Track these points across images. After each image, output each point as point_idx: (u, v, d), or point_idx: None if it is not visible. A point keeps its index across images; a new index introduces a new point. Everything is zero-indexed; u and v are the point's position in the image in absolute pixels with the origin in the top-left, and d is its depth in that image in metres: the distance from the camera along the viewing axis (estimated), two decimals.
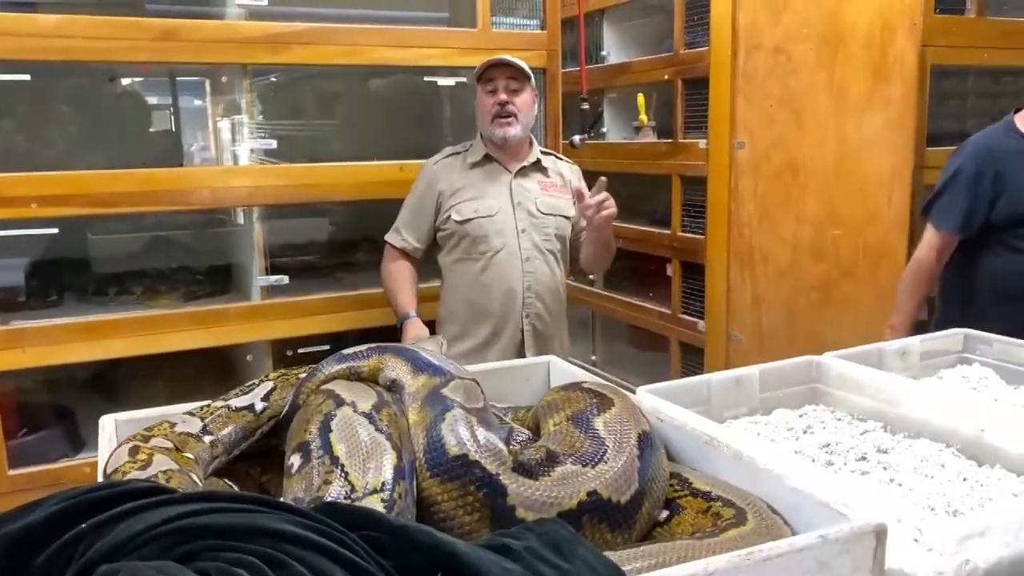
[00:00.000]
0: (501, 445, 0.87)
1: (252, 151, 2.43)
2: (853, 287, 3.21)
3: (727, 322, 3.42)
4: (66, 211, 2.23)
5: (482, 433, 0.88)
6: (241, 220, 2.63)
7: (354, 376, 1.07)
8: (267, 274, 2.52)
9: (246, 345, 2.55)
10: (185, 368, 2.65)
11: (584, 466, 0.90)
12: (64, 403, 2.59)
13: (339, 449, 0.83)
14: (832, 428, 1.39)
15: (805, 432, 1.38)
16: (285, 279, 2.51)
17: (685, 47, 3.64)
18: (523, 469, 0.87)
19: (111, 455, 0.92)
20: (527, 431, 1.15)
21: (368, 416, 0.89)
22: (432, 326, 2.41)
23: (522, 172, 2.34)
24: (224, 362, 2.86)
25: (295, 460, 0.86)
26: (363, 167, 2.58)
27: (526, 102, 2.29)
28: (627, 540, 0.91)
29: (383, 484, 0.79)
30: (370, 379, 1.07)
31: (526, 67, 2.27)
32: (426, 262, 2.44)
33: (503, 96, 2.24)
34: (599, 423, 0.98)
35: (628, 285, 4.21)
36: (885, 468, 1.23)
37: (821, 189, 3.16)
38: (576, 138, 3.13)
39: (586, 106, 3.00)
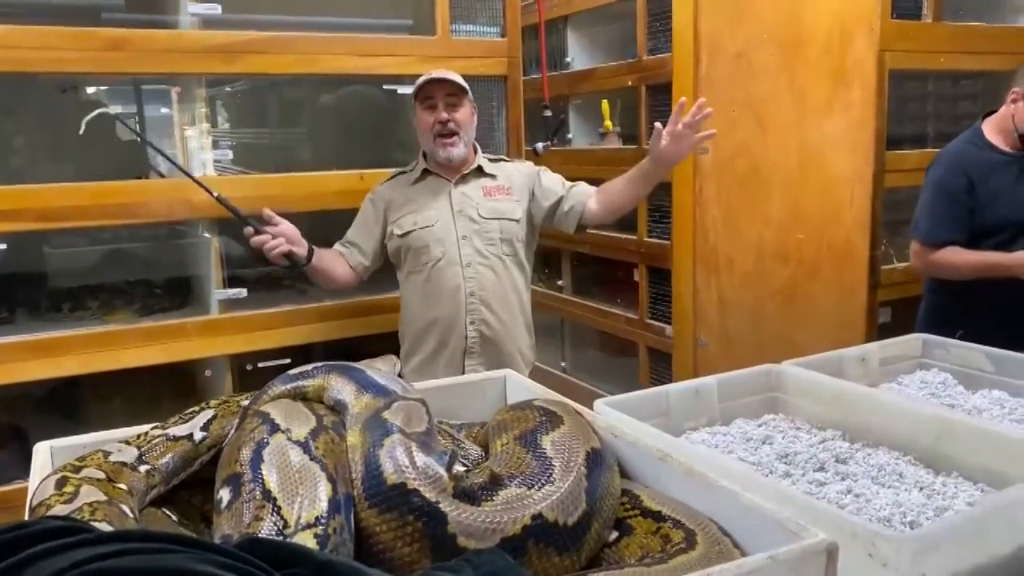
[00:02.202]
0: (441, 471, 0.85)
1: (216, 161, 2.38)
2: (818, 288, 3.22)
3: (694, 327, 3.42)
4: (17, 226, 2.17)
5: (421, 458, 0.85)
6: (200, 231, 2.58)
7: (299, 396, 1.04)
8: (225, 287, 2.47)
9: (204, 360, 2.50)
10: (143, 385, 2.59)
11: (529, 488, 0.88)
12: (17, 423, 2.52)
13: (271, 481, 0.80)
14: (791, 438, 1.38)
15: (764, 442, 1.37)
16: (243, 292, 2.46)
17: (648, 53, 3.65)
18: (465, 495, 0.84)
19: (38, 487, 0.88)
20: (479, 448, 1.13)
21: (303, 445, 0.86)
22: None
23: (463, 180, 2.34)
24: (183, 378, 2.80)
25: (224, 495, 0.82)
26: (324, 176, 2.55)
27: (466, 117, 2.28)
28: (575, 563, 0.88)
29: (317, 519, 0.76)
30: (315, 399, 1.04)
31: (462, 82, 2.26)
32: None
33: (443, 114, 2.24)
34: (547, 442, 0.96)
35: (596, 291, 4.20)
36: (843, 478, 1.22)
37: (784, 192, 3.17)
38: (539, 145, 3.11)
39: (548, 113, 2.99)
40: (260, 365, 2.52)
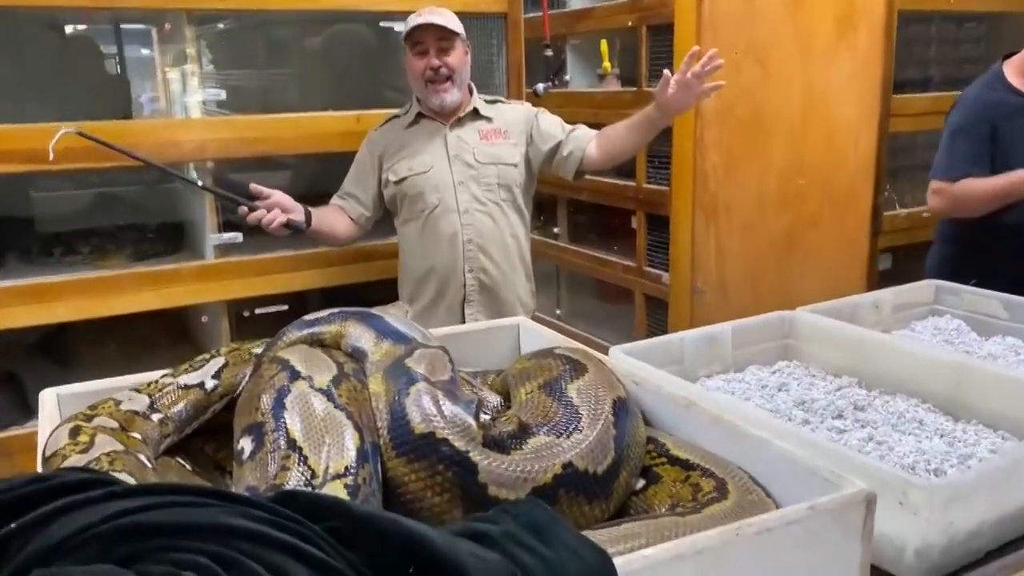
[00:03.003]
0: (470, 420, 0.82)
1: (203, 103, 2.31)
2: (818, 238, 3.20)
3: (692, 275, 3.40)
4: (5, 168, 2.11)
5: (449, 407, 0.82)
6: (193, 174, 2.51)
7: (316, 343, 1.01)
8: (220, 231, 2.42)
9: (200, 306, 2.46)
10: (138, 329, 2.55)
11: (558, 436, 0.86)
12: (10, 368, 2.49)
13: (295, 430, 0.77)
14: (807, 385, 1.37)
15: (780, 389, 1.35)
16: (239, 237, 2.41)
17: None
18: (494, 443, 0.82)
19: (50, 436, 0.85)
20: (497, 396, 1.10)
21: (326, 393, 0.83)
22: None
23: (458, 123, 2.27)
24: (178, 323, 2.77)
25: (246, 444, 0.80)
26: (318, 118, 2.48)
27: (458, 60, 2.20)
28: (604, 511, 0.87)
29: (346, 468, 0.73)
30: (332, 346, 1.01)
31: (453, 24, 2.17)
32: None
33: (434, 60, 2.16)
34: (572, 390, 0.93)
35: (593, 238, 4.16)
36: (863, 426, 1.21)
37: (787, 138, 3.12)
38: (540, 86, 3.04)
39: (550, 53, 2.91)
40: (258, 311, 2.49)
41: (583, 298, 4.51)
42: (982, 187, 2.37)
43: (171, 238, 2.67)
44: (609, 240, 4.08)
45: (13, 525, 0.57)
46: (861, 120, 3.08)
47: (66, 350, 2.64)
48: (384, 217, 2.41)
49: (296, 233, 2.13)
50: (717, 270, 3.33)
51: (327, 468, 0.73)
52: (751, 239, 3.26)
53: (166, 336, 2.73)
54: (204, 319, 2.49)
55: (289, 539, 0.57)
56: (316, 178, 2.93)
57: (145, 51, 3.19)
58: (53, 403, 1.04)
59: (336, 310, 1.04)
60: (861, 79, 3.04)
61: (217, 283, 2.39)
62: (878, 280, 3.28)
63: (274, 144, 2.40)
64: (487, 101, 2.32)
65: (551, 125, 2.36)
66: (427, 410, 0.82)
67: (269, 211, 2.04)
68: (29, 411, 2.36)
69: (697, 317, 3.44)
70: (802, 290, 3.23)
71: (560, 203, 4.25)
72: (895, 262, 3.32)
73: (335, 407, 0.81)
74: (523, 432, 0.85)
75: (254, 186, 2.06)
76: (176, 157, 2.31)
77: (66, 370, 2.63)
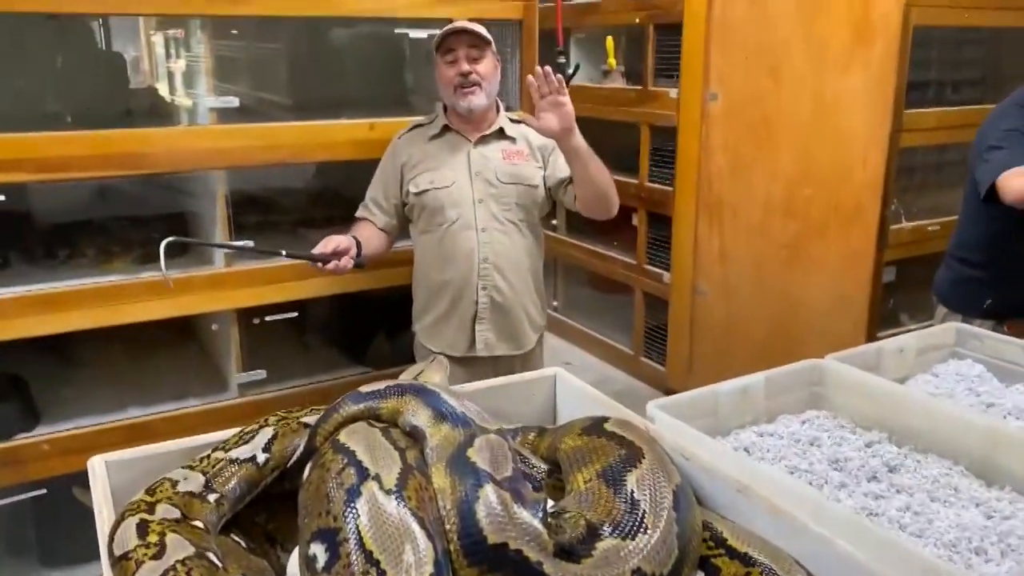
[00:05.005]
0: (540, 526, 0.82)
1: (216, 111, 2.27)
2: (822, 247, 3.21)
3: (693, 275, 3.41)
4: (16, 177, 2.07)
5: (519, 513, 0.83)
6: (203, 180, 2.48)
7: (373, 417, 1.01)
8: (231, 236, 2.39)
9: (210, 314, 2.44)
10: (145, 333, 2.53)
11: (624, 538, 0.86)
12: (15, 372, 2.46)
13: (370, 541, 0.77)
14: (838, 439, 1.38)
15: (812, 444, 1.37)
16: (250, 243, 2.38)
17: None
18: (564, 552, 0.82)
19: (116, 531, 0.85)
20: (543, 464, 1.11)
21: (397, 494, 0.83)
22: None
23: (483, 141, 2.26)
24: (187, 328, 2.75)
25: (318, 551, 0.79)
26: (333, 126, 2.45)
27: (489, 69, 2.20)
28: None
29: None
30: (389, 421, 1.00)
31: (486, 33, 2.18)
32: None
33: (465, 66, 2.16)
34: (632, 480, 0.94)
35: (592, 232, 4.16)
36: (898, 491, 1.23)
37: (795, 146, 3.12)
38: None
39: (563, 60, 2.88)
40: (267, 319, 2.47)
41: (580, 290, 4.52)
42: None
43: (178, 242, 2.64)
44: (609, 236, 4.07)
45: None
46: (871, 133, 3.08)
47: (71, 352, 2.62)
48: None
49: (359, 268, 2.15)
50: (720, 272, 3.34)
51: None
52: (756, 243, 3.28)
53: (174, 340, 2.71)
54: (214, 327, 2.47)
55: None
56: (330, 182, 2.91)
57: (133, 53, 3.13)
58: (103, 472, 1.03)
59: (392, 383, 1.03)
60: (874, 92, 3.04)
61: (227, 291, 2.38)
62: (883, 293, 3.31)
63: (288, 152, 2.37)
64: (512, 120, 2.30)
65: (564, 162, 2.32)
66: (498, 517, 0.82)
67: (340, 259, 2.06)
68: (36, 417, 2.35)
69: (698, 318, 3.47)
70: (807, 298, 3.26)
71: None
72: (899, 275, 3.35)
73: (406, 511, 0.81)
74: (590, 534, 0.85)
75: (319, 249, 2.06)
76: (190, 165, 2.28)
77: (72, 371, 2.61)
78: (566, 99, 2.02)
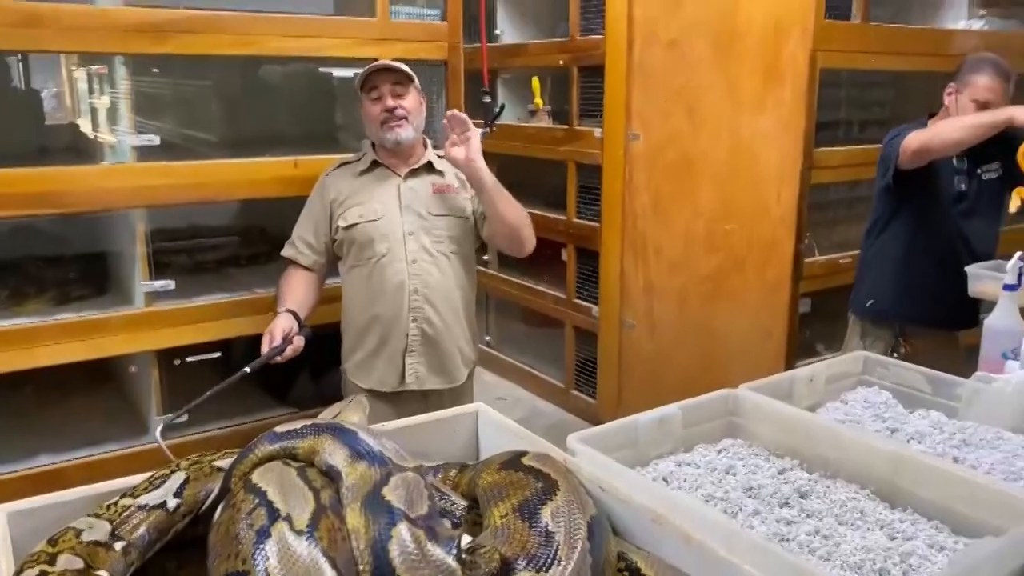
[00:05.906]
0: (454, 564, 0.83)
1: (137, 148, 2.24)
2: (742, 280, 3.31)
3: (621, 309, 3.47)
4: None
5: (433, 551, 0.83)
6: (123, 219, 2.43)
7: (289, 456, 1.00)
8: (151, 276, 2.35)
9: (130, 356, 2.38)
10: (59, 374, 2.45)
11: (538, 571, 0.87)
12: None
13: None
14: (752, 467, 1.42)
15: (728, 472, 1.40)
16: (171, 284, 2.35)
17: (581, 33, 3.61)
18: None
19: None
20: (463, 501, 1.11)
21: (308, 535, 0.82)
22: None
23: (412, 174, 2.29)
24: (103, 370, 2.68)
25: None
26: (256, 164, 2.44)
27: (414, 104, 2.25)
28: None
29: None
30: (305, 461, 1.00)
31: (408, 70, 2.22)
32: None
33: (390, 101, 2.20)
34: (546, 513, 0.95)
35: (523, 268, 4.21)
36: (808, 516, 1.27)
37: (715, 184, 3.22)
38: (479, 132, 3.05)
39: (488, 99, 2.93)
40: (189, 360, 2.42)
41: (511, 324, 4.55)
42: (951, 125, 2.45)
43: (96, 278, 2.58)
44: (539, 270, 4.12)
45: None
46: (784, 170, 3.21)
47: None
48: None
49: (308, 340, 2.15)
50: (646, 305, 3.41)
51: None
52: (679, 277, 3.36)
53: (89, 383, 2.63)
54: (133, 369, 2.41)
55: None
56: (252, 220, 2.88)
57: (54, 89, 3.08)
58: (2, 522, 1.00)
59: (309, 423, 1.03)
60: (785, 132, 3.17)
61: (147, 332, 2.32)
62: (799, 323, 3.42)
63: (211, 190, 2.35)
64: (439, 156, 2.33)
65: None
66: (411, 556, 0.82)
67: (293, 341, 2.08)
68: None
69: (626, 350, 3.52)
70: (729, 329, 3.35)
71: None
72: (814, 306, 3.47)
73: (319, 552, 0.81)
74: (505, 569, 0.86)
75: (265, 347, 2.07)
76: (109, 203, 2.24)
77: None
78: (473, 134, 2.11)
